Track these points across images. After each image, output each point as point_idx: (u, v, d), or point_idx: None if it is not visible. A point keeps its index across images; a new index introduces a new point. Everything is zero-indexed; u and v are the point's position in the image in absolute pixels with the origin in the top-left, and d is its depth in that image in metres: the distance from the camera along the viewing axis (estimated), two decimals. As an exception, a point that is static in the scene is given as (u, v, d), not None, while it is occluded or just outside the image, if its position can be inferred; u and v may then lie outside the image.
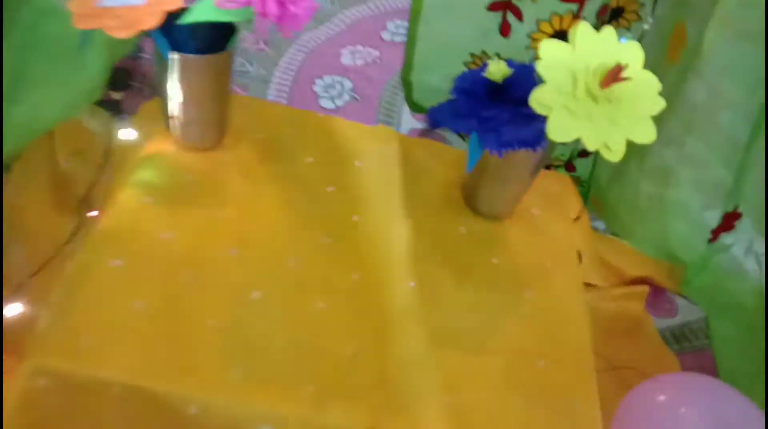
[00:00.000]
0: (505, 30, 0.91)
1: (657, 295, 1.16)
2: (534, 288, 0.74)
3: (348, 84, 1.47)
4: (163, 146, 0.76)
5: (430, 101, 1.09)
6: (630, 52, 0.62)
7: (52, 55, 0.74)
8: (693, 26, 0.83)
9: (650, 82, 0.61)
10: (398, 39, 1.58)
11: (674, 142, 0.84)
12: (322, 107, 1.40)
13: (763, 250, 0.91)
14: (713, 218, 0.88)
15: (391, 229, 0.75)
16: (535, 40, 0.90)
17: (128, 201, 0.70)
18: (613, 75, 0.58)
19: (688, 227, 0.91)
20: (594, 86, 0.59)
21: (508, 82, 0.73)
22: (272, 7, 0.64)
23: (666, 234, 0.92)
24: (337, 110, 1.39)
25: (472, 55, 0.97)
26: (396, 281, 0.70)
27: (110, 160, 0.79)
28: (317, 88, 1.44)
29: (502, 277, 0.74)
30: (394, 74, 1.47)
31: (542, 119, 0.63)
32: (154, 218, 0.69)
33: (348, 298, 0.67)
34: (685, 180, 0.85)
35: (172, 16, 0.65)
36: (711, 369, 1.06)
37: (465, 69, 1.00)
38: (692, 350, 1.10)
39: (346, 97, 1.44)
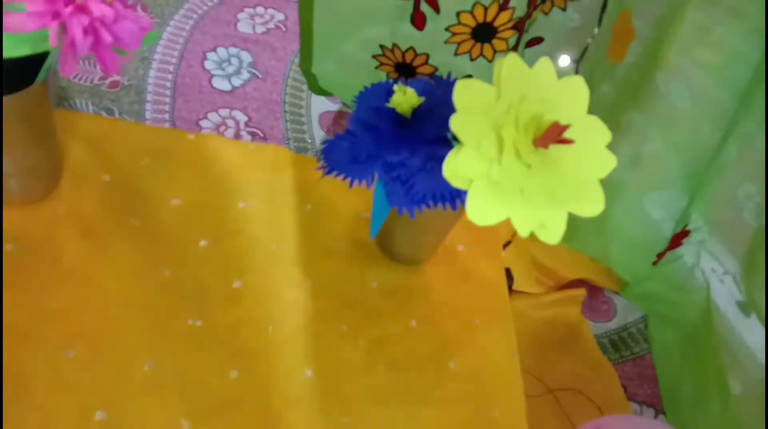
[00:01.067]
0: (418, 21, 0.73)
1: (593, 297, 1.07)
2: (460, 357, 0.61)
3: (247, 57, 1.25)
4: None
5: (340, 89, 0.91)
6: (572, 91, 0.46)
7: None
8: (643, 17, 0.68)
9: (598, 133, 0.46)
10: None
11: (624, 154, 0.71)
12: (216, 88, 1.18)
13: (711, 266, 0.81)
14: (661, 242, 0.77)
15: (283, 297, 0.59)
16: (456, 35, 0.73)
17: None
18: (552, 135, 0.43)
19: (630, 250, 0.79)
20: (526, 146, 0.44)
21: (420, 112, 0.56)
22: (77, 33, 0.45)
23: (607, 254, 0.81)
24: (234, 92, 1.18)
25: (383, 47, 0.79)
26: (288, 372, 0.55)
27: None
28: (209, 65, 1.22)
29: (422, 347, 0.60)
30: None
31: None
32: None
33: (223, 410, 0.52)
34: (632, 199, 0.73)
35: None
36: (651, 377, 0.99)
37: (375, 63, 0.82)
38: (632, 357, 1.02)
39: (245, 74, 1.23)
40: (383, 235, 0.67)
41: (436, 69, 0.79)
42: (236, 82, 1.21)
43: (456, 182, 0.43)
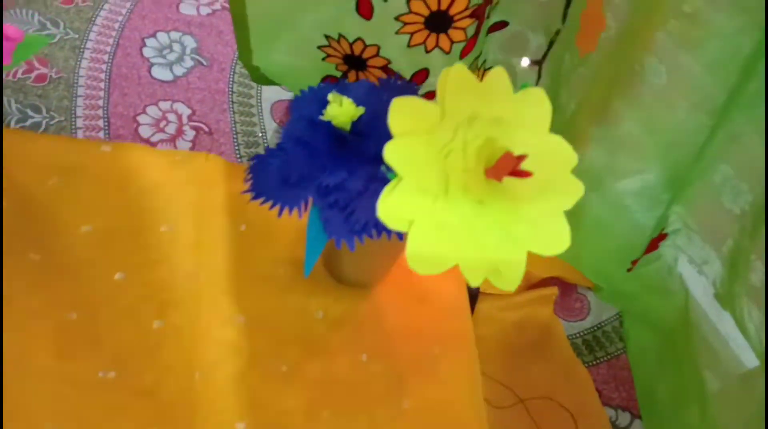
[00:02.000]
0: (364, 9, 0.64)
1: (566, 294, 1.01)
2: (416, 393, 0.54)
3: (191, 42, 1.15)
4: None
5: (288, 81, 0.82)
6: (531, 107, 0.39)
7: None
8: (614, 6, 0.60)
9: (562, 156, 0.39)
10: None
11: (598, 156, 0.63)
12: (156, 79, 1.09)
13: (688, 271, 0.75)
14: (636, 249, 0.71)
15: (213, 337, 0.52)
16: (408, 25, 0.65)
17: None
18: (506, 167, 0.35)
19: (603, 258, 0.73)
20: (476, 178, 0.36)
21: (361, 124, 0.48)
22: None
23: (578, 260, 0.74)
24: (176, 82, 1.08)
25: (328, 37, 0.70)
26: (219, 428, 0.48)
27: None
28: (148, 52, 1.12)
29: (373, 386, 0.54)
30: (251, 23, 1.17)
31: None
32: None
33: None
34: (610, 201, 0.66)
35: None
36: (627, 379, 0.94)
37: (322, 54, 0.73)
38: (606, 358, 0.97)
39: (189, 61, 1.13)
40: (328, 257, 0.59)
41: (389, 62, 0.70)
42: (179, 70, 1.11)
43: (393, 224, 0.36)
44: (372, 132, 0.47)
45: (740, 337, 0.78)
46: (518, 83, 0.74)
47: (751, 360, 0.76)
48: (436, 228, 0.35)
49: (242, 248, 0.57)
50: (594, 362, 0.96)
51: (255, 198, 0.47)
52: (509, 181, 0.36)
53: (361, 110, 0.47)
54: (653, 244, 0.71)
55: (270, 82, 0.84)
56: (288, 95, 1.10)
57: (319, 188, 0.46)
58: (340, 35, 0.69)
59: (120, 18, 1.14)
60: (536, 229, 0.38)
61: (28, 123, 0.93)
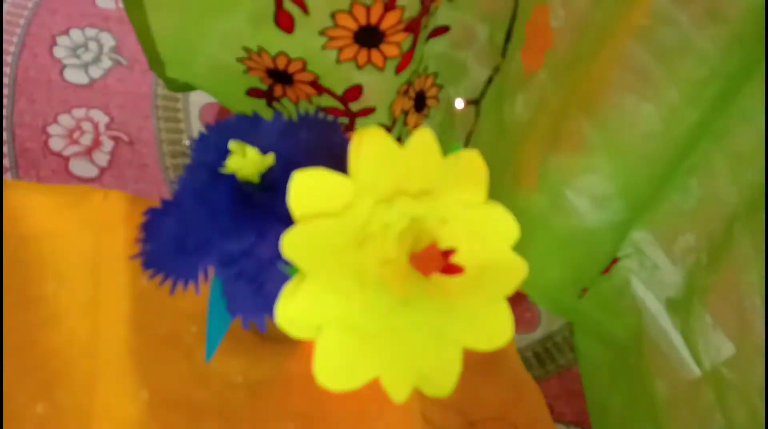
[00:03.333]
0: (283, 22, 0.55)
1: (516, 304, 0.96)
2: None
3: (109, 40, 1.03)
4: None
5: (210, 86, 0.73)
6: (464, 173, 0.31)
7: None
8: (564, 14, 0.53)
9: (502, 230, 0.32)
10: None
11: (550, 186, 0.57)
12: (69, 82, 0.97)
13: (641, 289, 0.71)
14: (590, 277, 0.65)
15: (110, 419, 0.44)
16: (335, 39, 0.56)
17: None
18: (432, 263, 0.28)
19: (554, 283, 0.67)
20: (398, 271, 0.29)
21: (274, 175, 0.40)
22: None
23: (526, 282, 0.68)
24: (92, 85, 0.97)
25: (247, 50, 0.61)
26: None
27: None
28: (60, 52, 1.00)
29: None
30: (177, 17, 1.06)
31: None
32: None
33: None
34: (563, 231, 0.60)
35: None
36: (579, 393, 0.91)
37: (242, 67, 0.64)
38: (557, 371, 0.92)
39: (107, 61, 1.01)
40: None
41: (317, 77, 0.62)
42: (95, 72, 0.99)
43: (296, 332, 0.28)
44: (286, 184, 0.39)
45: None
46: (456, 122, 0.67)
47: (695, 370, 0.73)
48: (350, 334, 0.28)
49: (146, 305, 0.49)
50: (545, 376, 0.92)
51: (146, 267, 0.39)
52: (437, 275, 0.29)
53: (270, 160, 0.39)
54: (605, 269, 0.65)
55: (191, 89, 0.74)
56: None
57: (222, 256, 0.38)
58: (260, 48, 0.60)
59: (26, 12, 1.01)
60: (473, 322, 0.31)
61: None
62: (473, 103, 0.64)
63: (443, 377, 0.29)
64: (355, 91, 0.63)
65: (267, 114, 0.70)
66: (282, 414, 0.48)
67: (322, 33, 0.56)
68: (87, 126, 0.93)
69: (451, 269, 0.27)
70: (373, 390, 0.50)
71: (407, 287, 0.29)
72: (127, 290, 0.49)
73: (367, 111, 0.65)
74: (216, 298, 0.38)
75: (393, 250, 0.28)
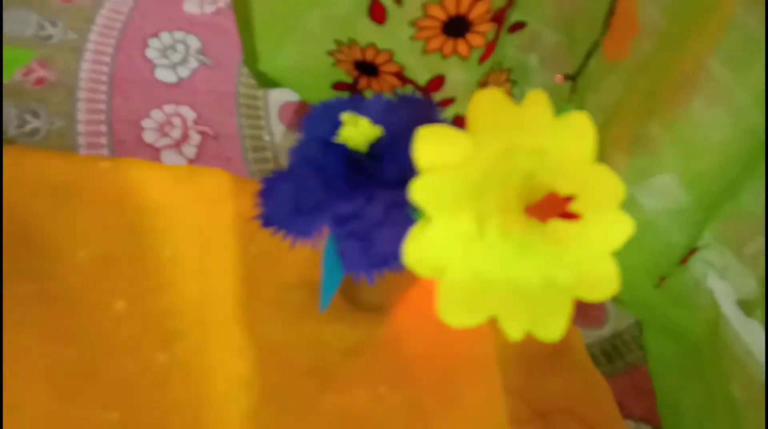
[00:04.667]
0: (376, 14, 0.59)
1: (583, 301, 0.97)
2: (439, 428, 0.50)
3: (195, 42, 1.10)
4: None
5: (297, 86, 0.77)
6: (573, 134, 0.34)
7: None
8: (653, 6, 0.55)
9: (610, 189, 0.34)
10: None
11: (629, 173, 0.58)
12: (159, 81, 1.04)
13: (718, 285, 0.71)
14: (668, 266, 0.66)
15: (223, 372, 0.47)
16: (424, 29, 0.60)
17: None
18: (551, 209, 0.30)
19: (630, 275, 0.68)
20: (516, 218, 0.32)
21: (380, 145, 0.44)
22: None
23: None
24: (180, 84, 1.03)
25: (338, 42, 0.65)
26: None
27: None
28: (151, 53, 1.07)
29: (394, 422, 0.49)
30: (257, 21, 1.11)
31: None
32: None
33: None
34: (642, 219, 0.61)
35: None
36: (648, 391, 0.90)
37: (331, 60, 0.68)
38: (626, 369, 0.92)
39: (194, 62, 1.07)
40: (346, 277, 0.55)
41: (402, 68, 0.65)
42: (183, 72, 1.06)
43: (422, 271, 0.31)
44: (391, 154, 0.42)
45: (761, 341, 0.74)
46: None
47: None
48: (472, 275, 0.31)
49: (252, 272, 0.52)
50: (613, 373, 0.92)
51: (265, 226, 0.43)
52: (553, 222, 0.31)
53: (378, 131, 0.43)
54: (682, 259, 0.66)
55: (276, 86, 0.79)
56: (296, 97, 1.05)
57: (335, 217, 0.42)
58: (351, 40, 0.64)
59: (121, 17, 1.09)
60: (582, 273, 0.33)
61: (26, 128, 0.88)
62: (570, 78, 0.66)
63: (553, 323, 0.32)
64: (438, 82, 0.66)
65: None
66: (373, 377, 0.51)
67: (412, 24, 0.59)
68: (176, 121, 0.99)
69: (569, 215, 0.30)
70: (458, 360, 0.53)
71: (523, 235, 0.31)
72: (235, 259, 0.53)
73: (447, 102, 0.69)
74: (330, 255, 0.41)
75: (510, 200, 0.31)
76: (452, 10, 0.57)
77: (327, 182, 0.43)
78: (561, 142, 0.33)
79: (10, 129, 0.87)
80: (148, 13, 1.11)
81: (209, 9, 1.14)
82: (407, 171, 0.43)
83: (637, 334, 0.95)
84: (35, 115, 0.93)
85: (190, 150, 0.98)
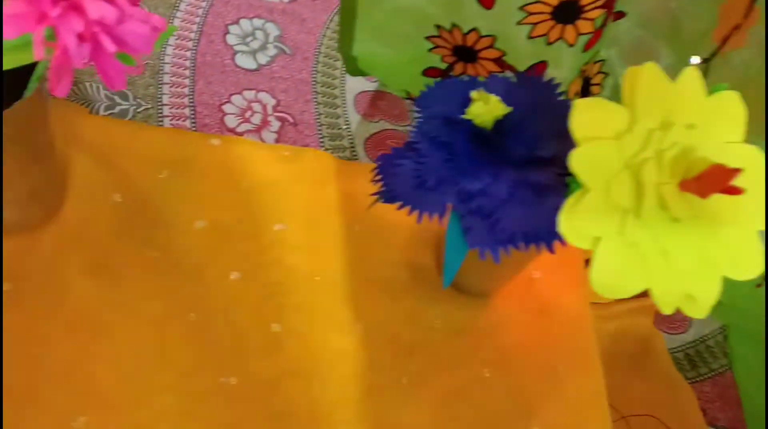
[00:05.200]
0: None
1: (667, 304, 0.96)
2: (544, 415, 0.50)
3: (274, 30, 1.13)
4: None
5: (384, 73, 0.79)
6: (724, 113, 0.34)
7: None
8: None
9: (758, 168, 0.34)
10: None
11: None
12: (240, 67, 1.07)
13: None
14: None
15: (330, 345, 0.49)
16: (533, 15, 0.60)
17: None
18: (715, 182, 0.31)
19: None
20: (672, 193, 0.32)
21: (504, 124, 0.45)
22: (69, 41, 0.34)
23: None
24: (260, 70, 1.06)
25: (439, 27, 0.67)
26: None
27: None
28: (231, 39, 1.10)
29: (499, 403, 0.50)
30: (333, 11, 1.14)
31: (563, 191, 0.37)
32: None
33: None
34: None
35: None
36: (734, 399, 0.89)
37: (429, 45, 0.70)
38: (711, 375, 0.91)
39: (272, 49, 1.10)
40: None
41: (503, 53, 0.66)
42: (262, 59, 1.09)
43: (576, 240, 0.32)
44: (516, 134, 0.43)
45: None
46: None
47: None
48: (626, 248, 0.32)
49: (357, 250, 0.54)
50: (697, 378, 0.91)
51: (388, 201, 0.44)
52: (710, 198, 0.32)
53: (507, 108, 0.44)
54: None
55: (362, 74, 0.81)
56: (371, 86, 1.07)
57: (461, 193, 0.43)
58: (454, 25, 0.65)
59: (203, 4, 1.13)
60: (732, 251, 0.33)
61: (116, 110, 0.92)
62: (705, 61, 0.66)
63: (703, 299, 0.32)
64: (540, 68, 0.66)
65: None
66: (476, 360, 0.52)
67: (521, 8, 0.60)
68: (257, 107, 1.02)
69: (733, 190, 0.30)
70: (560, 349, 0.53)
71: (678, 210, 0.32)
72: (339, 236, 0.55)
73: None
74: (454, 231, 0.43)
75: (666, 174, 0.32)
76: (565, -6, 0.58)
77: (452, 160, 0.44)
78: (714, 119, 0.33)
79: (101, 110, 0.91)
80: (228, 0, 1.15)
81: (288, -3, 1.17)
82: (533, 150, 0.44)
83: (721, 341, 0.94)
84: (124, 97, 0.97)
85: (269, 136, 1.01)
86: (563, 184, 0.41)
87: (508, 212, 0.42)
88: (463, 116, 0.43)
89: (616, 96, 0.81)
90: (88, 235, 0.49)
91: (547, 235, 0.42)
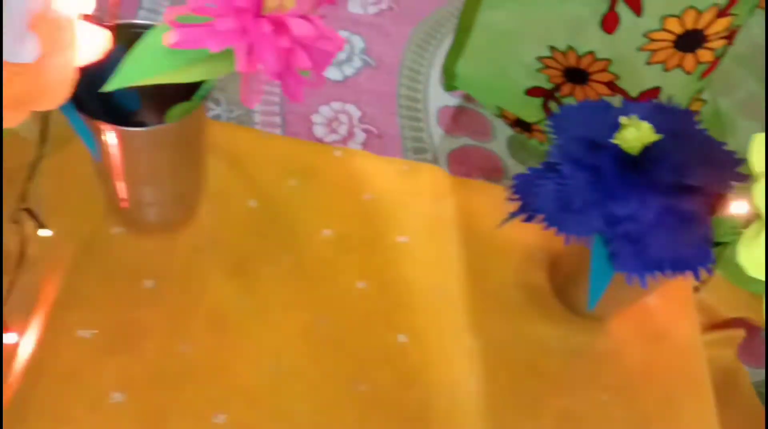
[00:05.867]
0: (609, 23, 0.62)
1: (752, 337, 0.95)
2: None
3: (359, 43, 1.16)
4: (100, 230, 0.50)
5: (481, 91, 0.81)
6: None
7: None
8: None
9: None
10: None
11: None
12: (327, 78, 1.10)
13: None
14: None
15: (454, 361, 0.51)
16: (655, 41, 0.62)
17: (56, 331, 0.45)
18: None
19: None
20: None
21: (652, 150, 0.46)
22: (269, 57, 0.36)
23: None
24: (346, 82, 1.09)
25: (553, 49, 0.68)
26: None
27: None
28: (319, 51, 1.13)
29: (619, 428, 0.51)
30: (416, 24, 1.17)
31: (708, 220, 0.38)
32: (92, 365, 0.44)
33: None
34: None
35: (89, 73, 0.37)
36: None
37: (539, 65, 0.71)
38: (795, 411, 0.90)
39: (358, 62, 1.13)
40: (566, 283, 0.57)
41: (616, 77, 0.68)
42: (348, 71, 1.12)
43: (756, 271, 0.33)
44: (663, 159, 0.44)
45: None
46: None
47: None
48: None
49: (474, 267, 0.56)
50: (782, 414, 0.90)
51: (529, 220, 0.46)
52: None
53: (657, 136, 0.45)
54: None
55: (455, 89, 0.83)
56: (453, 101, 1.09)
57: (608, 217, 0.44)
58: (569, 47, 0.67)
59: (292, 14, 1.16)
60: None
61: (209, 114, 0.96)
62: None
63: None
64: (652, 94, 0.67)
65: (539, 114, 0.77)
66: (595, 383, 0.53)
67: (645, 35, 0.61)
68: (343, 118, 1.05)
69: None
70: (675, 376, 0.54)
71: None
72: (458, 252, 0.56)
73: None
74: (599, 254, 0.44)
75: None
76: (690, 24, 0.59)
77: (598, 183, 0.45)
78: None
79: (196, 113, 0.94)
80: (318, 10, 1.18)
81: (372, 10, 1.19)
82: (681, 177, 0.45)
83: (805, 377, 0.93)
84: (216, 102, 1.00)
85: (355, 147, 1.03)
86: (709, 212, 0.42)
87: (656, 238, 0.43)
88: (612, 141, 0.45)
89: (715, 124, 0.81)
90: (226, 237, 0.52)
91: (693, 262, 0.43)
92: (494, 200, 0.60)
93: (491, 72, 0.75)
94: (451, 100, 1.09)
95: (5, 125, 0.34)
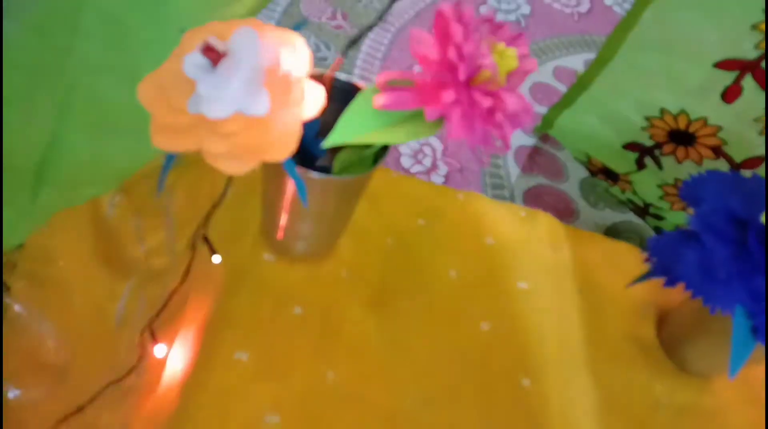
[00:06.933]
0: (731, 95, 0.62)
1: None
2: None
3: (443, 78, 1.17)
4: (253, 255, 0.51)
5: (575, 141, 0.81)
6: None
7: (97, 127, 0.47)
8: None
9: None
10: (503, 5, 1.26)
11: None
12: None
13: None
14: None
15: (573, 409, 0.51)
16: (775, 115, 0.62)
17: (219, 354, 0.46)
18: None
19: None
20: None
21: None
22: (479, 127, 0.37)
23: None
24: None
25: (664, 111, 0.69)
26: None
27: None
28: (407, 84, 1.14)
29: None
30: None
31: None
32: (248, 391, 0.45)
33: None
34: None
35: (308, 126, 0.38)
36: None
37: (644, 124, 0.72)
38: None
39: (441, 97, 1.14)
40: (677, 341, 0.57)
41: (724, 143, 0.68)
42: (433, 105, 1.12)
43: None
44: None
45: None
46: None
47: None
48: None
49: (588, 317, 0.56)
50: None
51: (670, 284, 0.46)
52: None
53: (806, 218, 0.45)
54: None
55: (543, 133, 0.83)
56: (529, 141, 1.09)
57: (753, 292, 0.45)
58: (682, 111, 0.67)
59: (382, 49, 1.18)
60: None
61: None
62: None
63: None
64: (755, 163, 0.68)
65: (630, 166, 0.77)
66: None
67: (763, 108, 0.62)
68: (428, 150, 1.06)
69: None
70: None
71: None
72: (575, 302, 0.57)
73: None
74: (741, 325, 0.44)
75: None
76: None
77: (740, 257, 0.46)
78: None
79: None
80: (403, 47, 1.20)
81: (456, 48, 1.21)
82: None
83: None
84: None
85: (438, 179, 1.04)
86: None
87: (798, 314, 0.43)
88: (761, 221, 0.45)
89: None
90: (365, 271, 0.53)
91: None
92: (603, 251, 0.61)
93: (591, 125, 0.76)
94: (528, 140, 1.10)
95: (236, 172, 0.35)
